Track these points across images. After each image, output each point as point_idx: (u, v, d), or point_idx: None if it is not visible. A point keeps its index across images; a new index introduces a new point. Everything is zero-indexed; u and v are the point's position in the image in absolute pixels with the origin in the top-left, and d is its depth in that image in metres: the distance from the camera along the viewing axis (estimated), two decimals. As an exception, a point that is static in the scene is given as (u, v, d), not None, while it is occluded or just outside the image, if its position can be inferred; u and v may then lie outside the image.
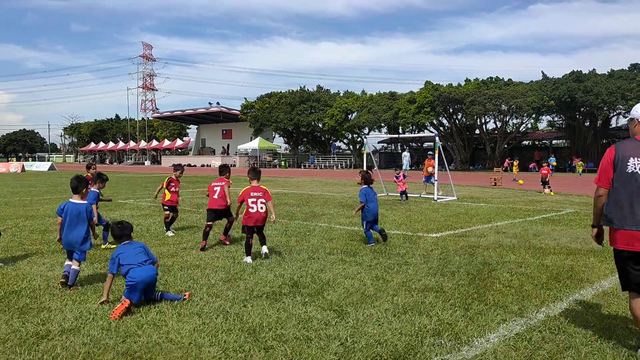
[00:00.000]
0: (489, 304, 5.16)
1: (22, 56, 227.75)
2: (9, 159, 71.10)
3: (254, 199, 7.15)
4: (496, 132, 50.75)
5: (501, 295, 5.44)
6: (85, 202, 5.99)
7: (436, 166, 16.62)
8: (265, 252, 7.30)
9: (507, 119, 49.55)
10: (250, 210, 7.14)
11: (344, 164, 57.95)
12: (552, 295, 5.46)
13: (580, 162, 34.22)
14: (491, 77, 49.67)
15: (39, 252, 7.76)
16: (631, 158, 3.92)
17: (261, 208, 7.18)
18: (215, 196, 8.28)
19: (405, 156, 25.01)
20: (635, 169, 3.90)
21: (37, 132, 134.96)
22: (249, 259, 7.08)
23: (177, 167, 9.97)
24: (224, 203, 8.26)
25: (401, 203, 15.39)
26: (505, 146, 50.07)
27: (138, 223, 10.82)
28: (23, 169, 47.12)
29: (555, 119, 51.44)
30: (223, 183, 8.35)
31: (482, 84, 48.47)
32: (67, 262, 5.91)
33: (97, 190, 8.23)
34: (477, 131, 52.98)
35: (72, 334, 4.32)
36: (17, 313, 4.86)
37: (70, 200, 5.90)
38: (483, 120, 50.97)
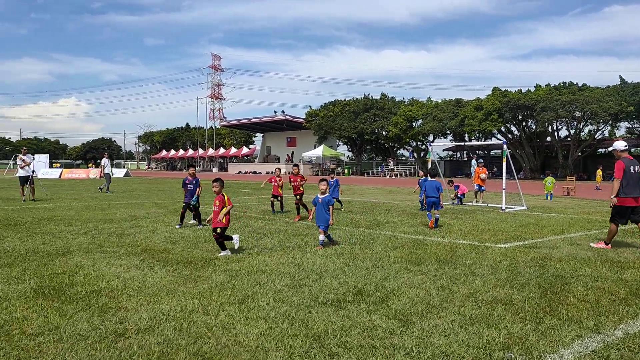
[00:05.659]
0: (563, 318, 4.95)
1: (100, 69, 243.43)
2: (89, 165, 75.72)
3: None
4: (569, 139, 48.58)
5: (576, 310, 5.21)
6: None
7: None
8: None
9: (582, 126, 47.31)
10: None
11: (407, 172, 57.35)
12: (632, 312, 5.16)
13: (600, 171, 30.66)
14: (564, 82, 47.65)
15: (117, 255, 8.19)
16: (630, 166, 8.57)
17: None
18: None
19: (473, 165, 24.58)
20: (632, 171, 8.55)
21: (114, 141, 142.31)
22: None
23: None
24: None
25: (466, 212, 15.04)
26: (579, 154, 47.83)
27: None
28: (101, 175, 49.82)
29: (635, 125, 48.61)
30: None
31: (554, 89, 46.59)
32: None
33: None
34: (549, 138, 50.93)
35: (147, 333, 4.52)
36: (96, 312, 5.15)
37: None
38: (555, 127, 48.92)
